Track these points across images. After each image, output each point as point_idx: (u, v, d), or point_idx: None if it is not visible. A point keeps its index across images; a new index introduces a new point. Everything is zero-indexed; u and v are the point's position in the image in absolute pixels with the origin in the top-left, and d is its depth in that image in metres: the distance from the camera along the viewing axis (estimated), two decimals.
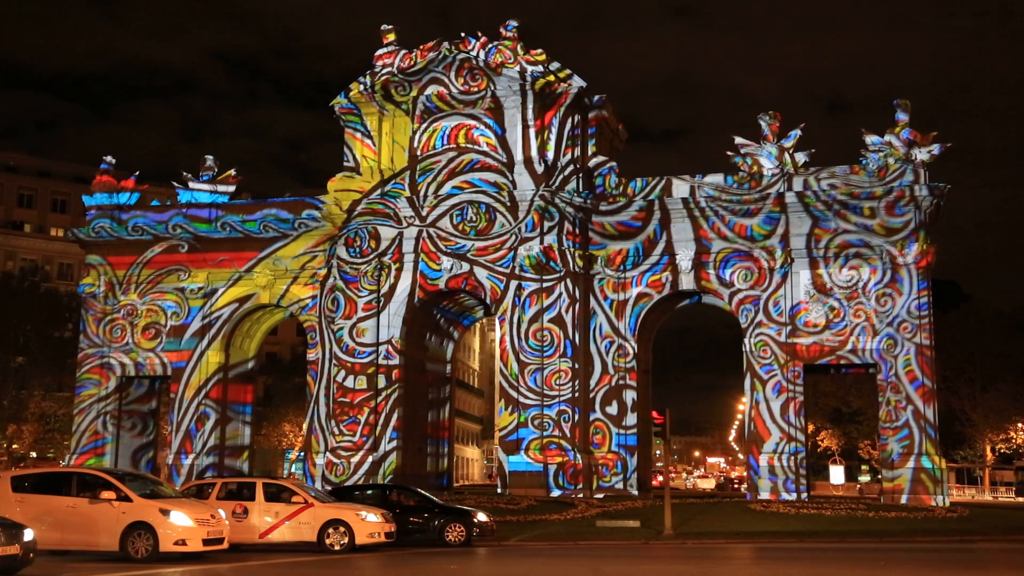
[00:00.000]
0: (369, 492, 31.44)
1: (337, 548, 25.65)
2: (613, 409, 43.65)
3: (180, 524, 22.65)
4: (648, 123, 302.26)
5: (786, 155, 43.11)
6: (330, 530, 25.86)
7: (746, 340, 42.78)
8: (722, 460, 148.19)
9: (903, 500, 39.24)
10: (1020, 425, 69.64)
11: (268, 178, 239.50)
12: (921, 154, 41.76)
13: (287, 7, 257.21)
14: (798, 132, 43.39)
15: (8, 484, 24.05)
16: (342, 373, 44.67)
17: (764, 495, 40.71)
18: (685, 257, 43.48)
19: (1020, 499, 64.22)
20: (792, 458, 41.28)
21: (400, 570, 23.08)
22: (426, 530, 28.90)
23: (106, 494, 22.98)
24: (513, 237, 43.66)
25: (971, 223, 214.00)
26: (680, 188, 43.85)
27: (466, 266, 44.13)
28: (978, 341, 66.83)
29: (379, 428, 44.02)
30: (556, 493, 40.97)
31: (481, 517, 29.52)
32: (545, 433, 42.37)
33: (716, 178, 43.69)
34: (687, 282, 43.73)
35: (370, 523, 26.16)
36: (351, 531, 25.78)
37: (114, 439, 47.69)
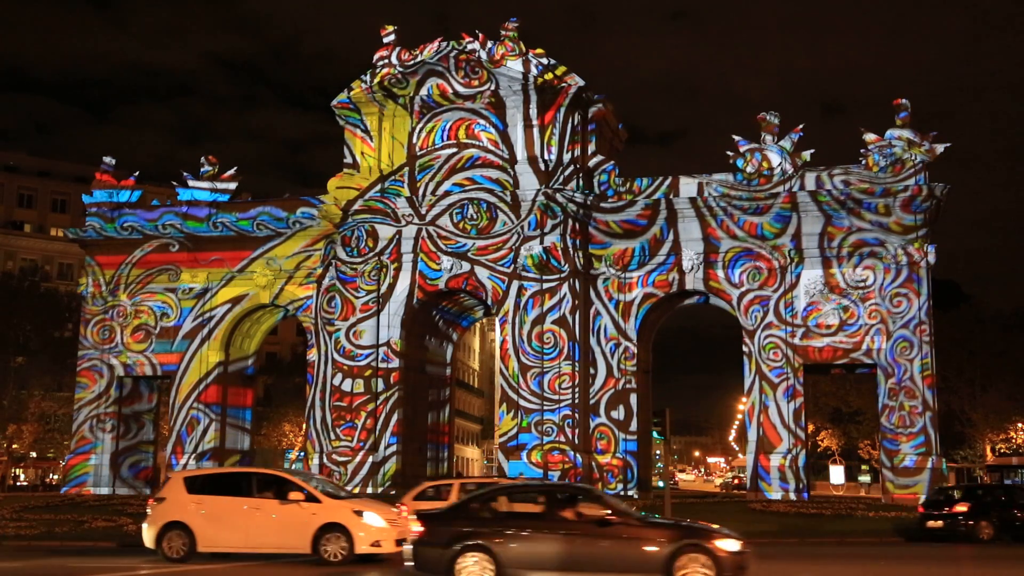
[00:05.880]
0: None
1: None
2: (619, 414, 42.79)
3: (374, 525, 22.09)
4: (644, 125, 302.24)
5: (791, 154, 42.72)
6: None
7: (753, 341, 41.98)
8: (722, 460, 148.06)
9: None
10: (1020, 425, 69.57)
11: (267, 180, 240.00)
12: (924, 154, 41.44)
13: (286, 12, 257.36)
14: (800, 132, 42.95)
15: (182, 485, 23.61)
16: (339, 376, 43.96)
17: (775, 497, 39.81)
18: (693, 256, 42.78)
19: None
20: (799, 462, 40.68)
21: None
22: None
23: (294, 495, 22.39)
24: (515, 236, 42.98)
25: (971, 223, 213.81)
26: (687, 186, 43.26)
27: (467, 266, 43.55)
28: (978, 341, 66.67)
29: (378, 431, 43.46)
30: None
31: None
32: (547, 438, 41.61)
33: (724, 176, 43.09)
34: (694, 282, 42.96)
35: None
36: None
37: (102, 442, 47.03)
